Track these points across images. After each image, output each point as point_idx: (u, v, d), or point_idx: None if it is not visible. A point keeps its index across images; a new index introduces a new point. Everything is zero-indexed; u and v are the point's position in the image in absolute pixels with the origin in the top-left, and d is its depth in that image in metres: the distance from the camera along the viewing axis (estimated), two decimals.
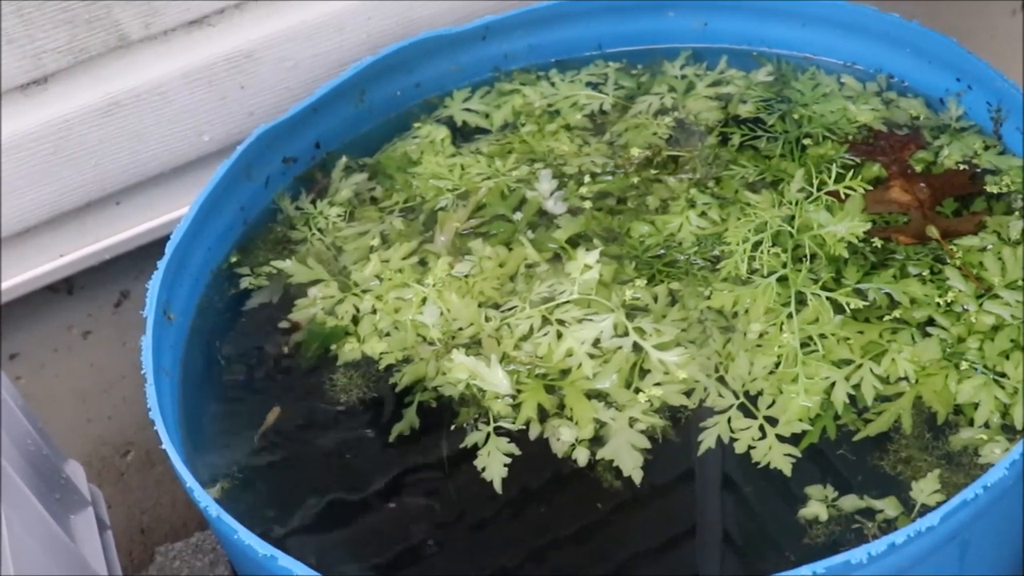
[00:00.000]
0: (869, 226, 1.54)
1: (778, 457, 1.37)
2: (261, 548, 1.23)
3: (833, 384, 1.42)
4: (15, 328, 1.87)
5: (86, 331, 1.96)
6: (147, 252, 1.87)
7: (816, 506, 1.33)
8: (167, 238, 1.58)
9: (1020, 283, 1.48)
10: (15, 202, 1.73)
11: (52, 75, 1.68)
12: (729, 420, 1.41)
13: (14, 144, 1.68)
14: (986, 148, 1.67)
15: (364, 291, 1.61)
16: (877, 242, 1.56)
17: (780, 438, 1.38)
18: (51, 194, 1.75)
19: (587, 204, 1.68)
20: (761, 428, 1.40)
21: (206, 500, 1.30)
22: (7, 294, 1.80)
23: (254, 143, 1.70)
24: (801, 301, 1.49)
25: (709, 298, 1.53)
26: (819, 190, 1.58)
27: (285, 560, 1.22)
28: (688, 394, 1.44)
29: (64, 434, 1.92)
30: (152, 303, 1.50)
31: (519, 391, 1.46)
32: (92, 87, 1.71)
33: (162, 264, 1.54)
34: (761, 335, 1.48)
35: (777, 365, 1.44)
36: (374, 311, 1.58)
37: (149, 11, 1.68)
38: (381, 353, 1.54)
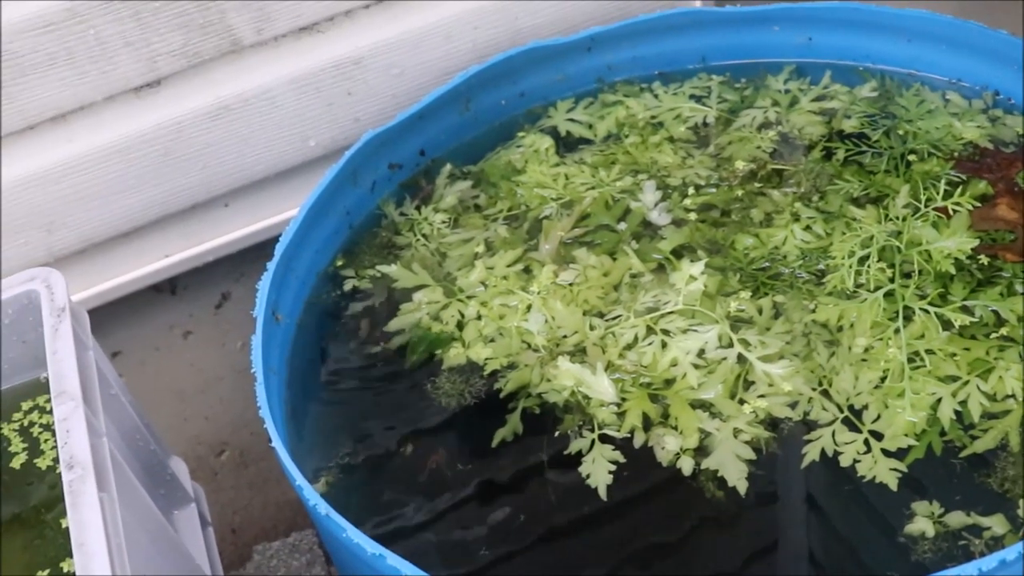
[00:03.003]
0: (977, 242, 1.54)
1: (884, 471, 1.36)
2: (370, 547, 1.24)
3: (939, 400, 1.41)
4: (118, 326, 1.90)
5: (187, 331, 1.99)
6: (248, 255, 1.90)
7: (922, 522, 1.32)
8: (269, 241, 1.61)
9: None
10: (125, 202, 1.76)
11: (165, 78, 1.71)
12: (833, 433, 1.41)
13: (126, 145, 1.71)
14: None
15: (469, 297, 1.62)
16: (983, 259, 1.55)
17: (885, 453, 1.38)
18: (160, 195, 1.78)
19: (691, 216, 1.68)
20: (866, 442, 1.39)
21: (315, 498, 1.32)
22: (112, 293, 1.83)
23: (361, 148, 1.72)
24: (907, 316, 1.49)
25: (814, 311, 1.52)
26: (926, 206, 1.57)
27: (393, 559, 1.23)
28: (792, 406, 1.44)
29: (162, 432, 1.94)
30: (262, 304, 1.52)
31: (624, 399, 1.47)
32: (203, 91, 1.74)
33: (271, 266, 1.56)
34: (866, 349, 1.47)
35: (883, 380, 1.44)
36: (479, 317, 1.59)
37: (262, 17, 1.70)
38: (486, 359, 1.55)
